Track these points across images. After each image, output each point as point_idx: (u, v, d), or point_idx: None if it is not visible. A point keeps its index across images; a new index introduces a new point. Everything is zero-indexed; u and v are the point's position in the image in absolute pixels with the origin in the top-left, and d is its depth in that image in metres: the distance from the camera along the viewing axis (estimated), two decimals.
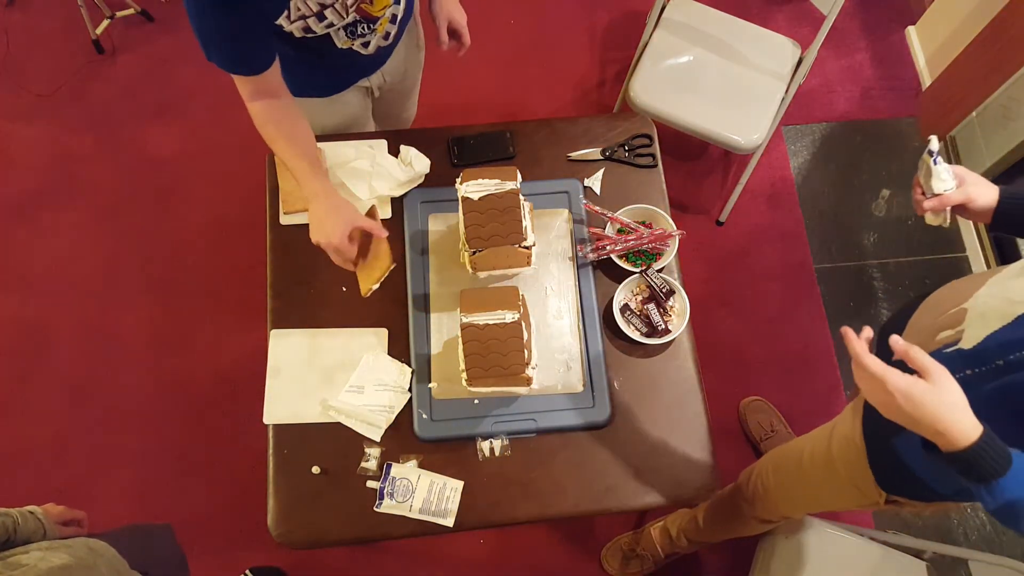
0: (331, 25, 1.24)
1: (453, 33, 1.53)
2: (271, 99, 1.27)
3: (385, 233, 1.34)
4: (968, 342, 0.97)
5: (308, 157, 1.30)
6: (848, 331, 0.92)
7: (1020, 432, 0.87)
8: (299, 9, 1.18)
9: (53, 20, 2.64)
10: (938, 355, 1.00)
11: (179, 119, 2.51)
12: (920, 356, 0.87)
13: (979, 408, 0.85)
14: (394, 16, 1.35)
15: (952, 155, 2.42)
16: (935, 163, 1.10)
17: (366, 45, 1.35)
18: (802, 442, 1.42)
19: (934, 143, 1.11)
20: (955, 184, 1.11)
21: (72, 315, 2.28)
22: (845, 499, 1.29)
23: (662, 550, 1.94)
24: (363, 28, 1.31)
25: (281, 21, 1.19)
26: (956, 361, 0.96)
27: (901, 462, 1.10)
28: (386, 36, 1.39)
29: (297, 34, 1.22)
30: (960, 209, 1.13)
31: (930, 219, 1.15)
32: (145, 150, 2.48)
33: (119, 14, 2.55)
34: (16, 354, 2.24)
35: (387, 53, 1.48)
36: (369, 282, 1.40)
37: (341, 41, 1.30)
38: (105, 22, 2.53)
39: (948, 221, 1.14)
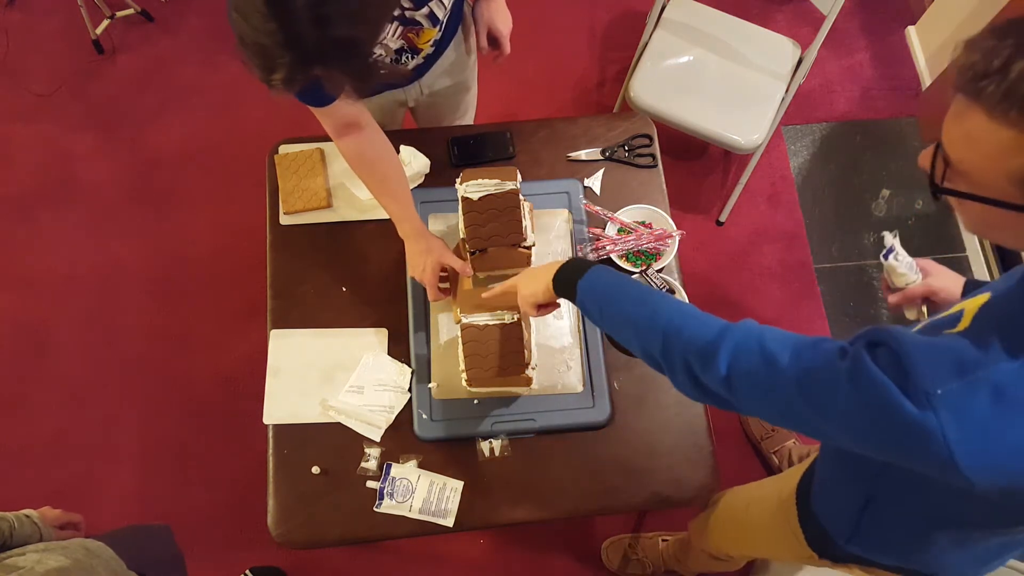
0: (380, 55, 1.25)
1: (493, 40, 1.53)
2: (355, 134, 1.28)
3: (470, 272, 1.38)
4: None
5: (398, 198, 1.35)
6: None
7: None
8: None
9: (53, 20, 2.63)
10: None
11: (179, 119, 2.50)
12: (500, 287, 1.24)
13: None
14: (436, 42, 1.37)
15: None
16: (884, 259, 1.14)
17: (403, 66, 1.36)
18: (758, 485, 1.44)
19: (887, 239, 1.13)
20: (918, 277, 1.13)
21: (72, 315, 2.27)
22: (785, 547, 1.27)
23: (664, 562, 1.93)
24: (406, 56, 1.33)
25: None
26: None
27: (819, 524, 1.12)
28: (424, 58, 1.40)
29: None
30: (931, 302, 1.15)
31: (907, 312, 1.18)
32: (145, 150, 2.47)
33: (119, 14, 2.54)
34: (16, 354, 2.24)
35: (423, 71, 1.47)
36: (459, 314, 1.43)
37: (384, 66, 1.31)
38: (105, 22, 2.52)
39: (926, 314, 1.16)
